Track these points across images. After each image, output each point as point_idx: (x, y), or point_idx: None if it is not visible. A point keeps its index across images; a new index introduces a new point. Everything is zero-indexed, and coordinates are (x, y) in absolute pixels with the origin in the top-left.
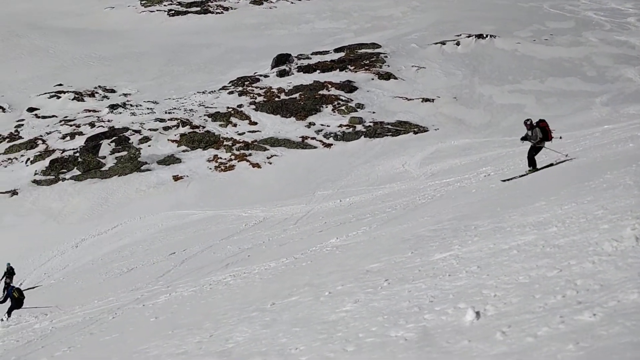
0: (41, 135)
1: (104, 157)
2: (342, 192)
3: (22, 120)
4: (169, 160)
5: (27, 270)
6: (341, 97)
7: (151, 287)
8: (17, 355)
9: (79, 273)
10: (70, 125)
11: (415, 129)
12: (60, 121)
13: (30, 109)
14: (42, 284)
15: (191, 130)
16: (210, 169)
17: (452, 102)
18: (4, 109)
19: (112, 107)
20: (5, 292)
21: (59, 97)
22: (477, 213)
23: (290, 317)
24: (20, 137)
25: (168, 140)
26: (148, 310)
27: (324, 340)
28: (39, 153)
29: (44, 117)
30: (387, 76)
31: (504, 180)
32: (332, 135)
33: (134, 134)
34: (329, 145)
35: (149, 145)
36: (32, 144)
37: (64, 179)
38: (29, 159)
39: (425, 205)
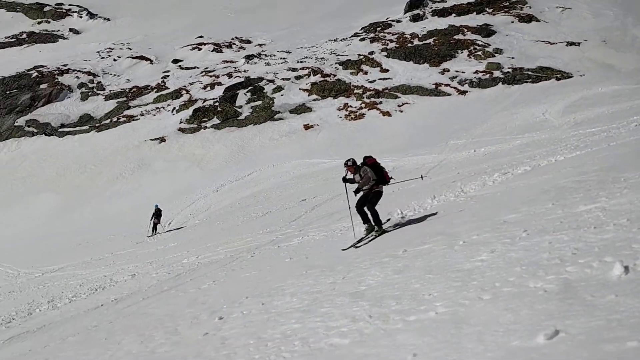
0: (185, 86)
1: (241, 107)
2: (477, 141)
3: (168, 71)
4: (300, 109)
5: (175, 211)
6: (478, 42)
7: (285, 230)
8: (170, 286)
9: (220, 215)
10: (210, 76)
11: (558, 75)
12: (201, 72)
13: (175, 61)
14: (187, 224)
15: (322, 79)
16: (340, 117)
17: (601, 46)
18: (152, 61)
19: (248, 57)
20: (154, 231)
21: (199, 49)
22: (626, 164)
23: (423, 264)
24: (167, 88)
25: (300, 89)
26: (283, 251)
27: (458, 287)
28: (183, 103)
29: (187, 69)
30: (529, 18)
31: None
32: (467, 81)
33: (268, 84)
34: (463, 93)
35: (282, 95)
36: (177, 94)
37: (205, 127)
38: (174, 108)
39: (567, 156)
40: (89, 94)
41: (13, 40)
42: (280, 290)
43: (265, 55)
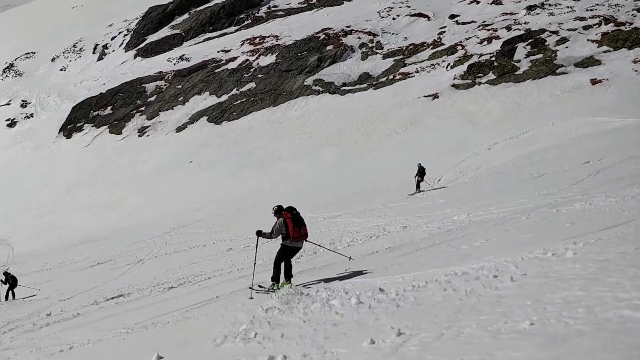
0: (460, 41)
1: (519, 61)
2: None
3: (444, 27)
4: (587, 62)
5: (443, 169)
6: None
7: (564, 194)
8: (441, 240)
9: (491, 174)
10: (488, 30)
11: None
12: (479, 26)
13: (452, 16)
14: (456, 182)
15: (615, 28)
16: (636, 71)
17: None
18: (429, 18)
19: (530, 8)
20: (418, 189)
21: (477, 2)
22: None
23: None
24: (442, 44)
25: (587, 40)
26: (562, 215)
27: None
28: (458, 58)
29: (463, 24)
30: None
31: None
32: None
33: (550, 36)
34: None
35: (566, 47)
36: (452, 49)
37: (479, 83)
38: (449, 64)
39: None
40: (369, 53)
41: (305, 5)
42: (560, 255)
43: (549, 4)
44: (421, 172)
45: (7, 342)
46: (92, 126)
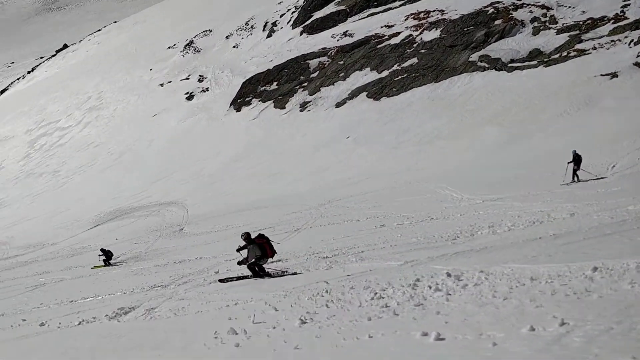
0: None
1: None
2: None
3: (629, 0)
4: None
5: (619, 154)
6: None
7: None
8: (612, 230)
9: None
10: None
11: None
12: None
13: None
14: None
15: None
16: None
17: None
18: None
19: None
20: (574, 177)
21: None
22: None
23: None
24: (626, 18)
25: None
26: None
27: None
28: None
29: None
30: None
31: None
32: None
33: None
34: None
35: None
36: (637, 24)
37: None
38: (632, 40)
39: None
40: (541, 28)
41: None
42: None
43: None
44: (577, 159)
45: (182, 293)
46: (259, 101)
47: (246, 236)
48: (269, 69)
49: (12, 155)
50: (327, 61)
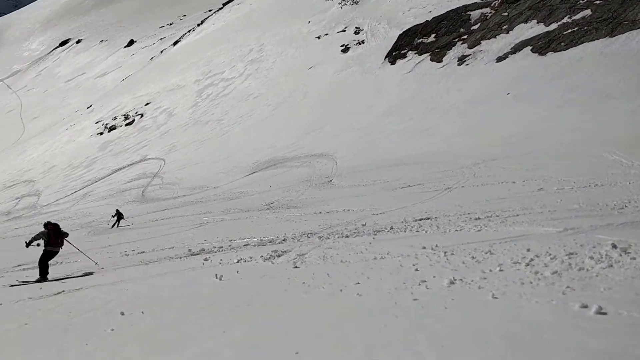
0: None
1: None
2: None
3: None
4: None
5: None
6: None
7: None
8: None
9: None
10: None
11: None
12: None
13: None
14: None
15: None
16: None
17: None
18: None
19: None
20: None
21: None
22: None
23: None
24: None
25: None
26: None
27: None
28: None
29: None
30: None
31: None
32: None
33: None
34: None
35: None
36: None
37: None
38: None
39: None
40: None
41: None
42: None
43: None
44: None
45: (330, 242)
46: (415, 53)
47: (45, 224)
48: (427, 21)
49: (182, 104)
50: (490, 12)
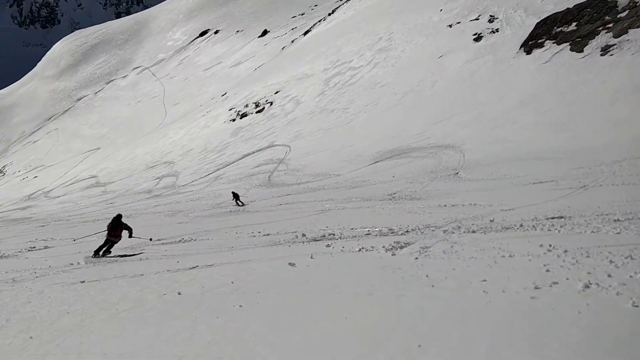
0: None
1: None
2: None
3: None
4: None
5: None
6: None
7: None
8: None
9: None
10: None
11: None
12: None
13: None
14: None
15: None
16: None
17: None
18: None
19: None
20: None
21: None
22: None
23: None
24: None
25: None
26: None
27: None
28: None
29: None
30: None
31: None
32: None
33: None
34: None
35: None
36: None
37: None
38: None
39: None
40: None
41: None
42: None
43: None
44: None
45: (455, 236)
46: (553, 43)
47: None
48: (568, 8)
49: (309, 92)
50: None
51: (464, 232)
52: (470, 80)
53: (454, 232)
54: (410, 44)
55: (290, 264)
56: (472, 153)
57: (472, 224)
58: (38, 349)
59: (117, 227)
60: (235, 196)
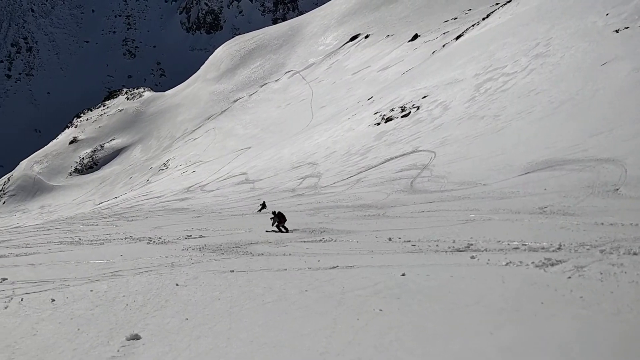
0: None
1: None
2: None
3: None
4: None
5: None
6: None
7: None
8: None
9: None
10: None
11: None
12: None
13: None
14: None
15: None
16: None
17: None
18: None
19: None
20: None
21: None
22: None
23: None
24: None
25: None
26: None
27: None
28: None
29: None
30: None
31: None
32: None
33: None
34: None
35: None
36: None
37: None
38: None
39: None
40: None
41: None
42: None
43: None
44: None
45: (614, 258)
46: None
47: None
48: None
49: (458, 97)
50: None
51: (624, 253)
52: (637, 90)
53: (612, 253)
54: (571, 50)
55: (431, 273)
56: (635, 169)
57: (634, 245)
58: (193, 330)
59: (282, 216)
60: (263, 206)
